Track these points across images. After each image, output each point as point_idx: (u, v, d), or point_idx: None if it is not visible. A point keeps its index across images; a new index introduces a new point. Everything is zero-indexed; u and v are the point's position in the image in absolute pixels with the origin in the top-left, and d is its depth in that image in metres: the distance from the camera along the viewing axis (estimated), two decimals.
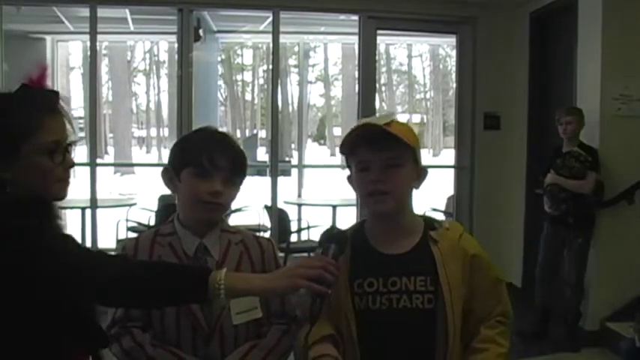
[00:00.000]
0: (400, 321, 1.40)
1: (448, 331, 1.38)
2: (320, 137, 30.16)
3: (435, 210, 5.51)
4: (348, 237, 1.37)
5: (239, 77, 27.47)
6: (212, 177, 1.49)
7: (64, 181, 1.28)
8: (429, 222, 1.49)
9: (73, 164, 1.29)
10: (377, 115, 3.52)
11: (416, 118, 27.27)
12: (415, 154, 1.43)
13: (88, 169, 4.82)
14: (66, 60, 18.66)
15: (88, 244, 4.81)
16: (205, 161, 1.49)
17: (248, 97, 28.58)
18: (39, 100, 1.24)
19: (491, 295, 1.46)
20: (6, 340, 1.16)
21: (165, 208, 4.83)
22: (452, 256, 1.42)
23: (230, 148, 1.54)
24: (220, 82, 20.46)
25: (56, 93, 1.29)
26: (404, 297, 1.40)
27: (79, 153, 5.28)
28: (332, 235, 1.34)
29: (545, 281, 4.11)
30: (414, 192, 1.49)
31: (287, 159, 18.58)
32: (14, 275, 1.13)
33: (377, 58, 5.57)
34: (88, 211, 5.00)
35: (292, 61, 19.82)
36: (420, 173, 1.45)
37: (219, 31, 7.87)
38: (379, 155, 1.38)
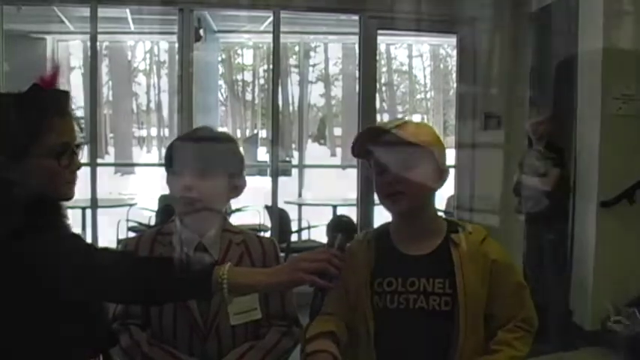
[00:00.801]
0: (416, 321, 1.40)
1: (459, 334, 1.38)
2: (320, 137, 30.08)
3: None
4: (355, 225, 1.37)
5: (239, 77, 27.41)
6: (182, 172, 1.52)
7: (71, 183, 1.29)
8: (452, 224, 1.49)
9: (80, 166, 1.30)
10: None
11: (416, 118, 27.24)
12: (434, 155, 1.42)
13: (88, 169, 4.81)
14: (66, 60, 18.61)
15: None
16: (175, 159, 1.54)
17: (248, 97, 28.51)
18: (49, 102, 1.24)
19: (512, 300, 1.45)
20: (15, 340, 1.17)
21: (166, 208, 4.83)
22: (471, 260, 1.42)
23: (198, 142, 1.55)
24: (221, 82, 20.38)
25: (66, 93, 1.29)
26: (421, 298, 1.40)
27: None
28: (340, 223, 1.34)
29: (533, 280, 4.11)
30: None
31: (287, 159, 18.51)
32: (23, 274, 1.13)
33: (377, 58, 5.57)
34: (89, 211, 5.00)
35: (293, 61, 19.73)
36: (441, 174, 1.44)
37: (219, 31, 7.85)
38: (392, 157, 1.39)
